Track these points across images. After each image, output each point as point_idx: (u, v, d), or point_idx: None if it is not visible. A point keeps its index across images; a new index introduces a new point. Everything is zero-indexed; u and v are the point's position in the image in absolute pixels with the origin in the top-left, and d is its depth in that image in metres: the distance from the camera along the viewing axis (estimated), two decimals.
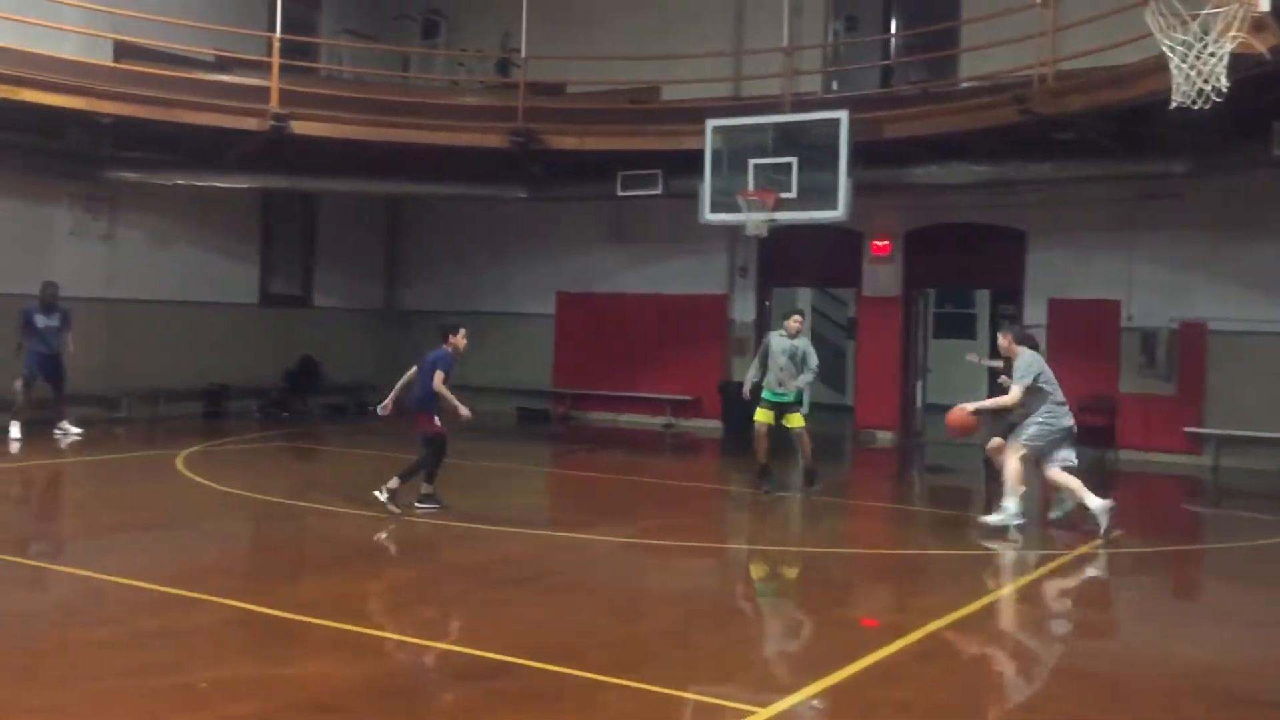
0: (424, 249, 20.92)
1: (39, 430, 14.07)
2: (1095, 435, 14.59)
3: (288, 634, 6.23)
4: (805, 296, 20.49)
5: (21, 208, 15.66)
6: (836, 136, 13.63)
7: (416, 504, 9.83)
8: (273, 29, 15.57)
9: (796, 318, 11.85)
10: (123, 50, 15.61)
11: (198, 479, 11.54)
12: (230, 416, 17.41)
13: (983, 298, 20.88)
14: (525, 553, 8.77)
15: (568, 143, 16.22)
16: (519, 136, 15.91)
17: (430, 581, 7.63)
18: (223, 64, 16.70)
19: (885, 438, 17.03)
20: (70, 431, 14.28)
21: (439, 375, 9.89)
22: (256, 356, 18.34)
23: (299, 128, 15.37)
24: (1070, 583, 8.64)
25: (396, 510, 9.57)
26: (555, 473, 14.46)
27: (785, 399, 11.47)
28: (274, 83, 15.23)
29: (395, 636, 6.09)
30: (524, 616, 6.78)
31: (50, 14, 14.52)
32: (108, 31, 15.40)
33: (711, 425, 17.60)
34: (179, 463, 12.48)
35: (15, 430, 13.85)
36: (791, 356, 11.40)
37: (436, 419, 9.95)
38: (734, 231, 16.56)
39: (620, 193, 16.87)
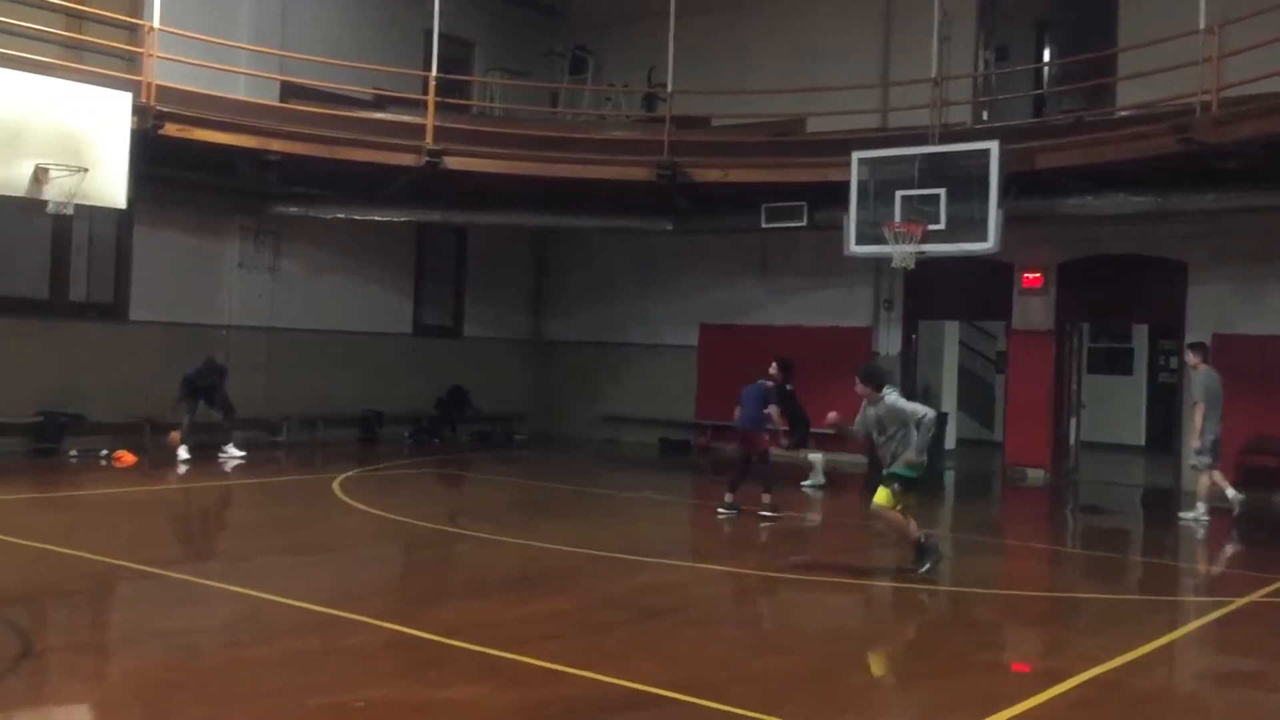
0: (570, 281, 21.27)
1: (204, 452, 14.76)
2: (1264, 477, 13.92)
3: (440, 658, 6.39)
4: (952, 330, 20.13)
5: (196, 241, 16.52)
6: (987, 167, 13.41)
7: (761, 512, 11.50)
8: (429, 68, 16.11)
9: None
10: (289, 91, 16.36)
11: (354, 503, 11.93)
12: (383, 442, 17.98)
13: (1141, 332, 20.18)
14: (670, 584, 8.81)
15: (712, 175, 16.33)
16: (664, 170, 16.09)
17: (578, 611, 7.73)
18: (381, 102, 17.35)
19: (1036, 476, 16.55)
20: (233, 454, 14.94)
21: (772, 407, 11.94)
22: (409, 385, 18.90)
23: (452, 163, 15.88)
24: (1239, 630, 8.25)
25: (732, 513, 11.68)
26: (698, 504, 14.48)
27: (894, 470, 9.08)
28: (429, 120, 15.76)
29: (544, 664, 6.18)
30: (668, 649, 6.81)
31: (224, 58, 15.34)
32: (275, 73, 16.17)
33: (858, 460, 17.39)
34: (336, 487, 12.93)
35: (183, 452, 14.56)
36: (877, 423, 9.08)
37: (766, 436, 12.08)
38: (879, 264, 16.40)
39: (765, 225, 16.90)
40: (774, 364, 13.52)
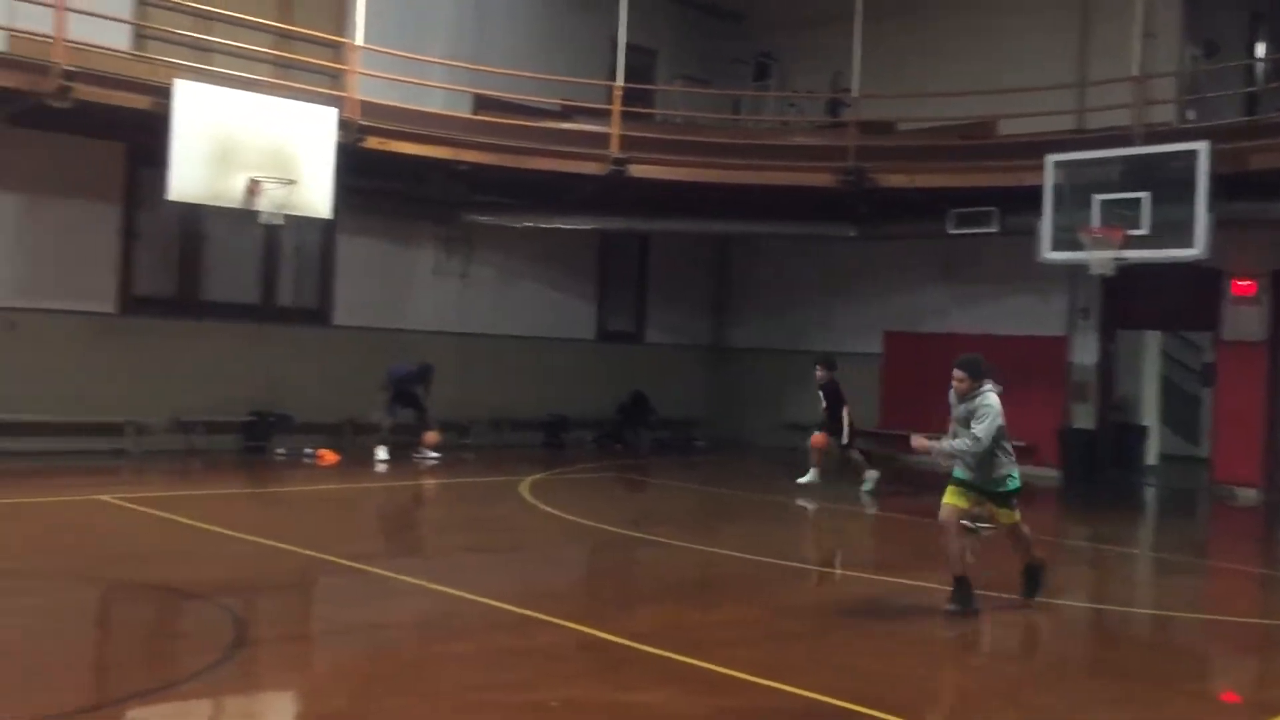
0: (752, 287, 21.24)
1: (400, 454, 15.35)
2: None
3: (629, 661, 6.48)
4: (1153, 340, 19.22)
5: (392, 249, 17.20)
6: (1194, 169, 12.80)
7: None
8: (614, 78, 16.36)
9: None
10: (481, 103, 16.87)
11: (541, 505, 12.21)
12: (568, 446, 18.33)
13: None
14: (854, 595, 8.69)
15: (898, 180, 16.05)
16: (849, 175, 15.91)
17: (761, 619, 7.71)
18: (567, 112, 17.71)
19: (1247, 495, 15.63)
20: (428, 456, 15.49)
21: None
22: (593, 390, 19.21)
23: (637, 171, 16.09)
24: None
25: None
26: (881, 515, 14.23)
27: (982, 483, 7.96)
28: (614, 129, 16.00)
29: (729, 672, 6.19)
30: (853, 661, 6.73)
31: (420, 73, 15.94)
32: (468, 86, 16.70)
33: (1049, 474, 16.78)
34: (524, 489, 13.26)
35: (382, 453, 15.18)
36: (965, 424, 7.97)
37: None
38: (1074, 270, 15.78)
39: (953, 230, 16.50)
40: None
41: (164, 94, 13.05)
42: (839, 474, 14.84)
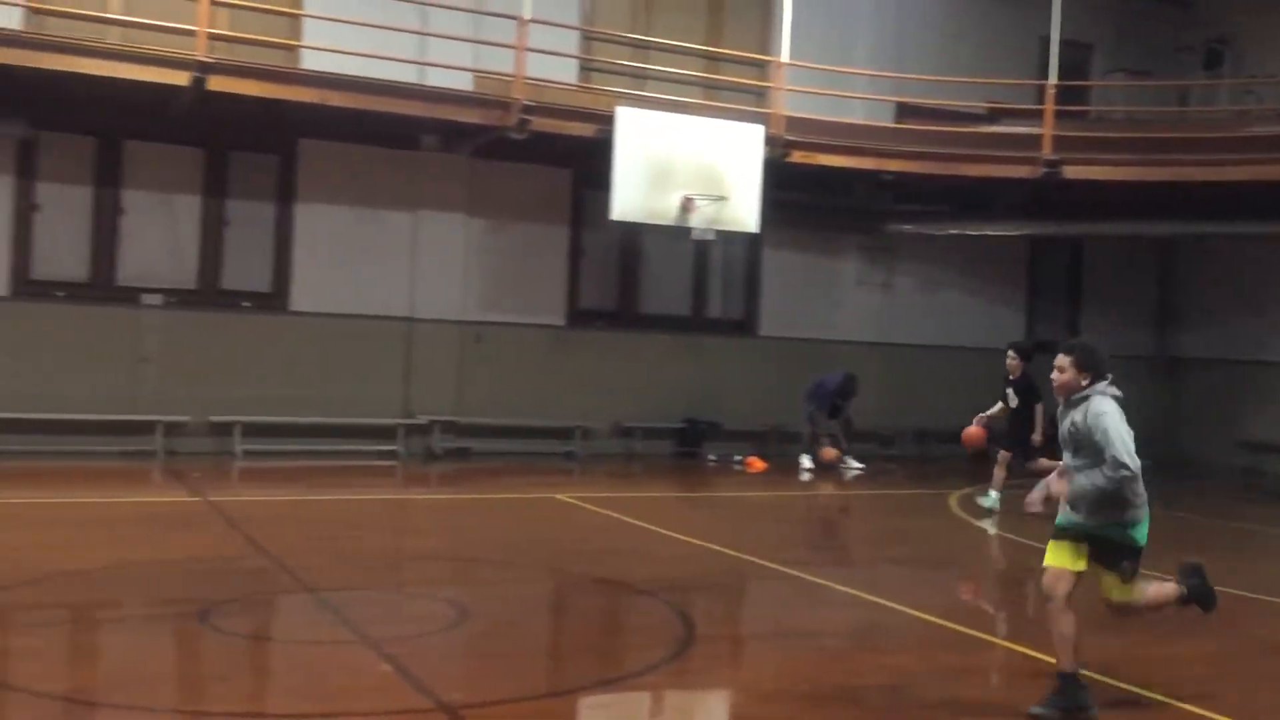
0: (1201, 292, 19.51)
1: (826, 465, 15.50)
2: None
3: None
4: None
5: (815, 260, 17.43)
6: None
7: None
8: (1044, 77, 15.65)
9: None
10: (903, 111, 16.71)
11: (971, 520, 11.89)
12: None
13: None
14: None
15: None
16: None
17: (1230, 655, 7.06)
18: (994, 115, 17.15)
19: None
20: (852, 466, 15.52)
21: None
22: None
23: (1070, 172, 15.31)
24: None
25: None
26: None
27: (1087, 527, 5.61)
28: (1047, 129, 15.31)
29: (1199, 711, 5.73)
30: None
31: (842, 84, 16.06)
32: (890, 95, 16.61)
33: None
34: (951, 503, 12.97)
35: (806, 462, 15.40)
36: (1072, 436, 5.68)
37: None
38: None
39: None
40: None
41: (607, 121, 14.02)
42: None
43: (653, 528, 10.42)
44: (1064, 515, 5.65)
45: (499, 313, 15.52)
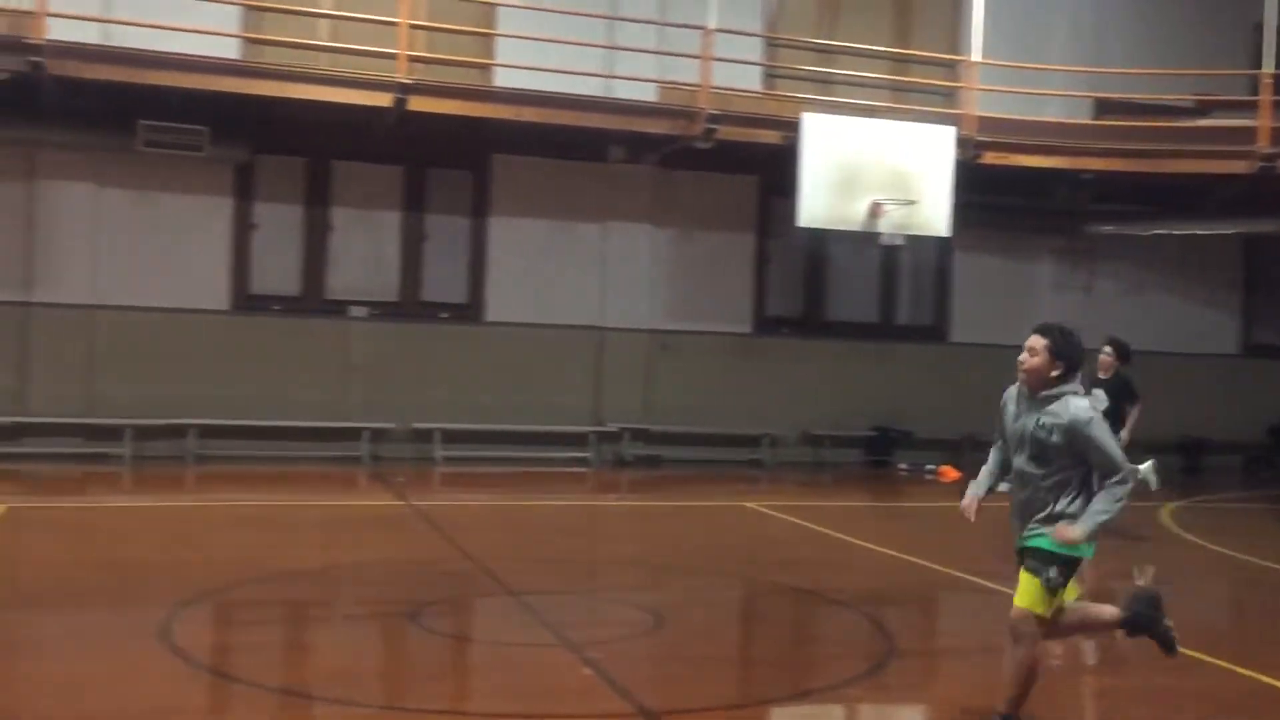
0: None
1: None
2: None
3: None
4: None
5: (1009, 263, 16.89)
6: None
7: None
8: (1258, 65, 14.78)
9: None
10: (1102, 107, 16.05)
11: (1185, 535, 11.32)
12: (1206, 471, 16.80)
13: None
14: None
15: None
16: None
17: None
18: (1204, 109, 16.29)
19: None
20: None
21: None
22: (1236, 409, 17.40)
23: None
24: None
25: None
26: None
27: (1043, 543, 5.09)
28: (1264, 121, 14.44)
29: None
30: None
31: (1037, 82, 15.52)
32: (1088, 91, 15.97)
33: None
34: (1165, 516, 12.37)
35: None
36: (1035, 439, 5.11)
37: None
38: None
39: None
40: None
41: (792, 128, 13.97)
42: None
43: (845, 537, 10.30)
44: (1027, 536, 5.13)
45: (686, 321, 15.62)
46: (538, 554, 9.23)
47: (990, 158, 14.77)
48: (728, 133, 13.94)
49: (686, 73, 14.09)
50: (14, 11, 12.10)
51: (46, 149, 13.29)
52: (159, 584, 7.57)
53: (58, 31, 11.93)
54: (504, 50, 14.35)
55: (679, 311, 15.60)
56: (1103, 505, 4.89)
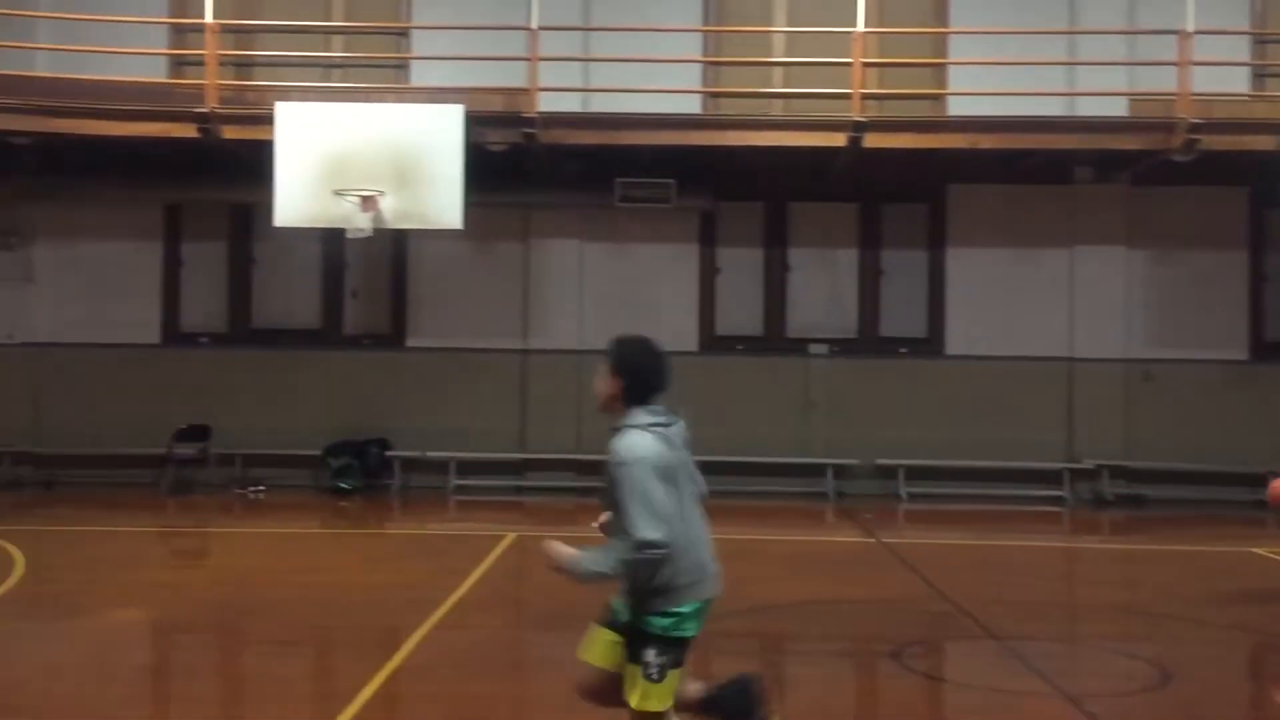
0: None
1: None
2: None
3: None
4: None
5: None
6: None
7: None
8: None
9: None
10: None
11: None
12: None
13: None
14: None
15: None
16: None
17: None
18: None
19: None
20: None
21: None
22: None
23: None
24: None
25: None
26: None
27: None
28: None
29: None
30: None
31: None
32: None
33: None
34: None
35: None
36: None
37: None
38: None
39: None
40: None
41: None
42: None
43: None
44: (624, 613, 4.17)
45: (1169, 348, 14.39)
46: (1017, 596, 8.82)
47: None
48: (1213, 142, 12.74)
49: (1157, 82, 13.09)
50: (509, 90, 13.45)
51: (537, 210, 14.66)
52: None
53: (545, 103, 13.13)
54: (957, 77, 14.06)
55: (1160, 339, 14.42)
56: (615, 554, 3.98)
